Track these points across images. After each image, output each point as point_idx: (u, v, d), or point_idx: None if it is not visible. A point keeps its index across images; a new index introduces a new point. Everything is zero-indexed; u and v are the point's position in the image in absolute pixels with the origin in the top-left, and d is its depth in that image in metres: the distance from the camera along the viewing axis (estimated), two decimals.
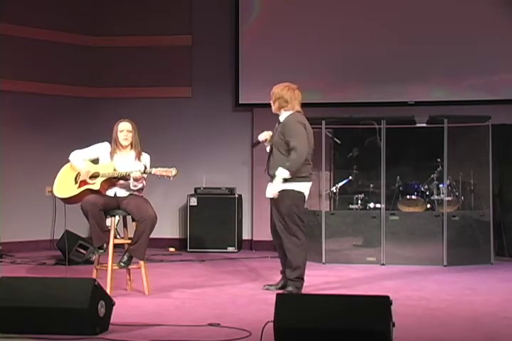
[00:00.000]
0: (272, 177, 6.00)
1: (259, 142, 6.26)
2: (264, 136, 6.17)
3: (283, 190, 5.94)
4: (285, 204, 5.96)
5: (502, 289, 6.35)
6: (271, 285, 6.16)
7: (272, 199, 6.02)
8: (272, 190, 5.97)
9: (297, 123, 6.00)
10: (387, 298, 4.19)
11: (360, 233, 7.96)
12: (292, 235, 5.97)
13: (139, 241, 5.91)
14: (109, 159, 6.07)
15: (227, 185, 8.96)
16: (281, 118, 6.07)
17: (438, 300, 5.76)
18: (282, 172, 5.91)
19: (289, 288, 5.95)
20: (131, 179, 5.92)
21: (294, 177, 5.94)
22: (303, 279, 6.02)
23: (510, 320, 5.00)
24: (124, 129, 6.08)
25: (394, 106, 8.59)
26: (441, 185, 8.00)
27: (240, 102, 9.10)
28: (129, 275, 6.14)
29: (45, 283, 4.72)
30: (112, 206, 5.98)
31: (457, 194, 8.10)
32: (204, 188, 8.98)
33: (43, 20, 8.94)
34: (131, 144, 6.10)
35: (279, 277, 6.23)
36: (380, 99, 8.68)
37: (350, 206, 8.27)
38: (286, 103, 6.05)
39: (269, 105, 6.19)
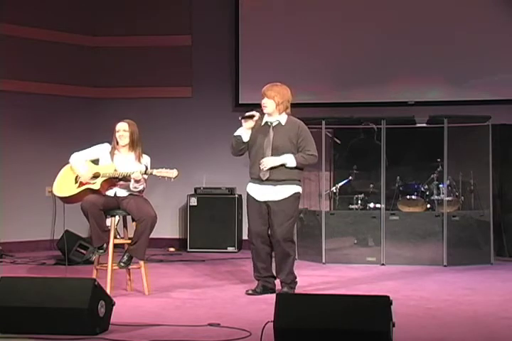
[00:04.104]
0: (272, 181, 5.82)
1: (252, 116, 5.88)
2: (256, 115, 5.89)
3: (293, 193, 5.85)
4: (294, 207, 5.90)
5: (502, 289, 6.34)
6: (254, 290, 5.98)
7: (274, 203, 5.82)
8: (272, 163, 5.79)
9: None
10: (387, 298, 4.19)
11: (360, 233, 7.95)
12: (290, 240, 5.92)
13: (138, 241, 5.91)
14: (110, 160, 6.07)
15: (227, 185, 8.96)
16: (282, 121, 5.91)
17: (438, 300, 5.76)
18: (291, 160, 5.81)
19: (285, 289, 5.90)
20: (132, 180, 5.91)
21: (297, 180, 5.91)
22: (296, 278, 5.99)
23: (510, 320, 5.00)
24: (121, 129, 6.07)
25: (394, 106, 8.60)
26: (441, 185, 7.99)
27: (240, 102, 9.10)
28: (129, 275, 6.14)
29: (45, 283, 4.72)
30: (112, 206, 5.98)
31: (457, 194, 8.09)
32: (204, 188, 8.98)
33: (43, 20, 8.94)
34: (130, 145, 6.09)
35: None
36: (380, 99, 8.68)
37: (350, 206, 8.26)
38: (289, 104, 5.96)
39: None
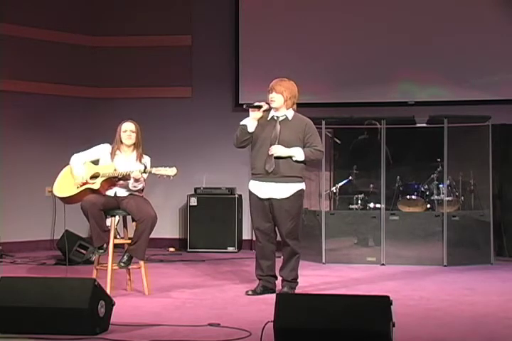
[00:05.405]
0: (275, 177, 5.79)
1: (260, 106, 5.81)
2: (264, 106, 5.83)
3: (296, 191, 5.83)
4: (299, 205, 5.88)
5: (502, 289, 6.34)
6: (254, 291, 5.96)
7: (277, 201, 5.80)
8: (282, 151, 5.77)
9: None
10: (387, 298, 4.19)
11: (360, 233, 7.95)
12: (296, 238, 5.90)
13: (138, 241, 5.91)
14: (110, 160, 6.07)
15: (227, 185, 8.96)
16: (289, 116, 5.88)
17: (438, 300, 5.76)
18: (300, 153, 5.79)
19: (285, 289, 5.90)
20: (132, 179, 5.92)
21: (300, 177, 5.89)
22: (297, 277, 5.99)
23: (510, 320, 4.99)
24: (128, 129, 6.07)
25: (394, 106, 8.60)
26: (441, 185, 8.00)
27: (240, 102, 9.08)
28: (129, 275, 6.14)
29: (45, 283, 4.72)
30: (112, 206, 5.98)
31: (457, 194, 8.10)
32: (204, 188, 8.98)
33: (43, 20, 8.94)
34: (134, 145, 6.09)
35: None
36: (380, 99, 8.68)
37: (350, 206, 8.26)
38: (295, 100, 5.92)
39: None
